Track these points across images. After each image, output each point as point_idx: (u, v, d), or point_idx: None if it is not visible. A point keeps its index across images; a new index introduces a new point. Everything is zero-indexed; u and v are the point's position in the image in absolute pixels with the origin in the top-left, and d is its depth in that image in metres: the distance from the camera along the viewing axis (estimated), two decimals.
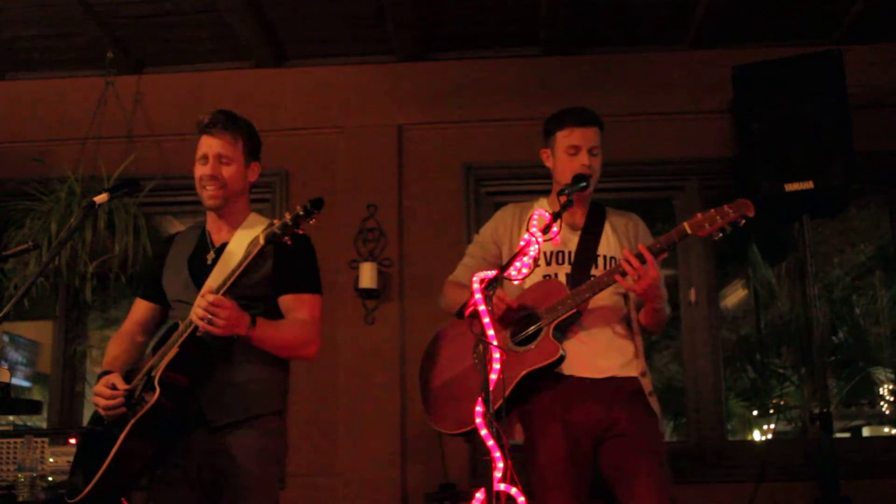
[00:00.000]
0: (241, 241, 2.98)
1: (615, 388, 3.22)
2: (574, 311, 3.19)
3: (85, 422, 5.17)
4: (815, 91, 4.46)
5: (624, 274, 3.09)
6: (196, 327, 2.78)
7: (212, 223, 3.16)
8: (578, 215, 3.47)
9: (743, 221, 3.05)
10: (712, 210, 3.07)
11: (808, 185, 4.34)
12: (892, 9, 4.75)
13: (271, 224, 2.76)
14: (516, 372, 3.15)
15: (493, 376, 3.42)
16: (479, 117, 5.19)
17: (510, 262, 3.50)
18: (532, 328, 3.22)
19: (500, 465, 3.41)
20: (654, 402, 3.24)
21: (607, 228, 3.45)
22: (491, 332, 3.38)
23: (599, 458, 3.24)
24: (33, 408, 4.14)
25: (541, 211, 3.54)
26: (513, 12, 4.92)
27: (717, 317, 5.12)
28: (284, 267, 3.00)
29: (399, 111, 5.24)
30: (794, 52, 4.62)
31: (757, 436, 10.47)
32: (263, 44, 5.13)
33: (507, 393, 3.07)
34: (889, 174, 4.99)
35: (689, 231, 3.09)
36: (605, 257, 3.37)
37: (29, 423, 5.13)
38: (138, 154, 5.02)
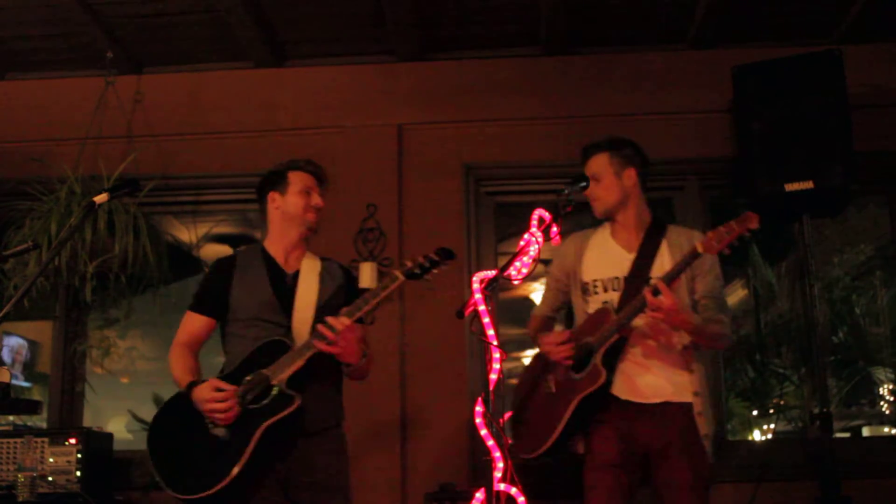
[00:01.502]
0: (310, 271, 3.42)
1: (670, 414, 3.34)
2: (617, 336, 3.31)
3: (85, 422, 5.17)
4: (815, 91, 4.46)
5: (644, 305, 3.21)
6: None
7: (277, 250, 3.44)
8: (633, 235, 3.54)
9: (749, 234, 3.16)
10: (721, 227, 3.17)
11: (808, 184, 4.34)
12: (892, 9, 4.75)
13: (403, 264, 3.29)
14: (570, 399, 3.33)
15: (493, 376, 3.44)
16: (479, 117, 5.19)
17: (510, 263, 3.52)
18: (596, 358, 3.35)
19: (500, 465, 3.42)
20: (701, 422, 3.33)
21: (663, 248, 3.50)
22: (491, 332, 3.40)
23: (652, 470, 3.37)
24: (33, 408, 4.14)
25: (541, 211, 3.56)
26: (513, 12, 4.92)
27: None
28: (347, 295, 3.40)
29: (399, 111, 5.24)
30: (794, 52, 4.61)
31: (757, 436, 10.45)
32: (263, 44, 5.13)
33: (563, 422, 3.32)
34: (889, 174, 4.99)
35: (700, 251, 3.20)
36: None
37: (29, 423, 5.12)
38: (138, 154, 5.01)
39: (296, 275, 3.40)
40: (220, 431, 3.09)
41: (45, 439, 4.32)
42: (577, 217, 3.76)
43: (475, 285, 3.61)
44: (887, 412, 9.07)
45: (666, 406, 3.34)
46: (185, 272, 5.83)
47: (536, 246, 3.70)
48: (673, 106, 5.07)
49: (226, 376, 3.18)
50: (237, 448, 3.02)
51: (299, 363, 3.12)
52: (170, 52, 5.29)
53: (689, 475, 3.28)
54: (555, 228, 3.59)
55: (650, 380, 3.36)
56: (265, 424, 3.04)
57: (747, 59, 4.67)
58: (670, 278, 3.22)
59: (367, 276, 4.84)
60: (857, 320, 9.10)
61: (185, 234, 5.39)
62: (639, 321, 3.34)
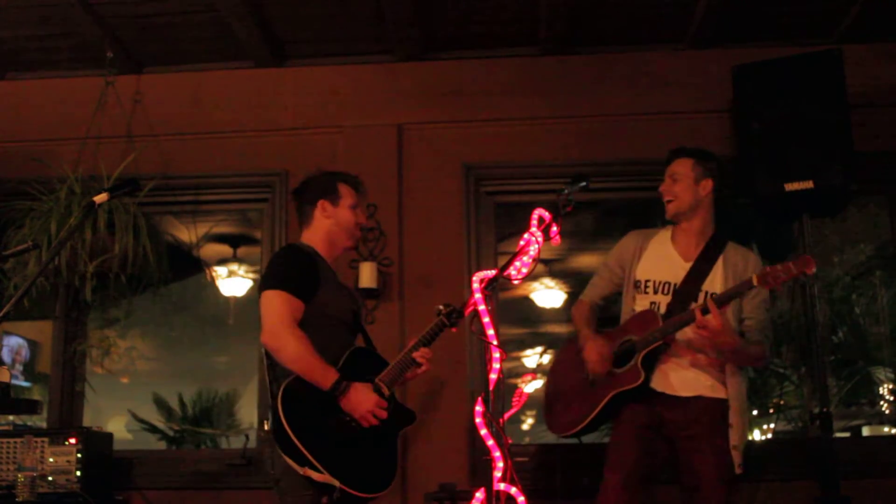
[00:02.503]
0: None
1: (702, 408, 3.55)
2: (660, 342, 3.55)
3: (85, 421, 5.17)
4: (814, 91, 4.46)
5: (692, 320, 3.42)
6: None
7: (330, 259, 3.62)
8: (692, 245, 3.72)
9: (805, 278, 3.45)
10: (779, 266, 3.32)
11: (808, 184, 4.34)
12: (891, 8, 4.75)
13: (445, 307, 3.61)
14: (607, 392, 3.62)
15: (493, 376, 3.44)
16: (478, 117, 5.19)
17: (509, 262, 3.52)
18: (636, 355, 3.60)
19: (500, 464, 3.42)
20: (732, 434, 3.50)
21: (719, 263, 3.66)
22: (491, 332, 3.40)
23: (676, 453, 3.60)
24: (33, 408, 4.14)
25: (541, 211, 3.56)
26: (512, 12, 4.92)
27: None
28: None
29: (399, 111, 5.24)
30: (794, 52, 4.61)
31: (757, 435, 10.46)
32: (263, 43, 5.13)
33: (598, 409, 3.62)
34: (889, 174, 4.98)
35: (755, 284, 3.36)
36: (706, 293, 3.59)
37: (28, 423, 5.12)
38: (138, 154, 5.02)
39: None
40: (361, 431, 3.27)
41: (45, 439, 4.32)
42: (577, 217, 3.78)
43: (475, 285, 3.61)
44: (887, 412, 9.07)
45: (698, 399, 3.55)
46: (185, 272, 5.84)
47: (536, 246, 3.68)
48: (673, 106, 5.07)
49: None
50: (390, 453, 3.39)
51: (401, 379, 3.49)
52: (170, 51, 5.29)
53: (712, 469, 3.47)
54: (555, 228, 3.58)
55: (686, 375, 3.58)
56: (398, 433, 3.44)
57: (747, 59, 4.66)
58: (721, 302, 3.39)
59: (366, 275, 4.84)
60: (856, 320, 9.10)
61: (185, 233, 5.39)
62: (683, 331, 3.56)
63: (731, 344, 3.42)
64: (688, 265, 3.69)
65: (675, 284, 3.67)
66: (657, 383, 3.59)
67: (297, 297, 3.32)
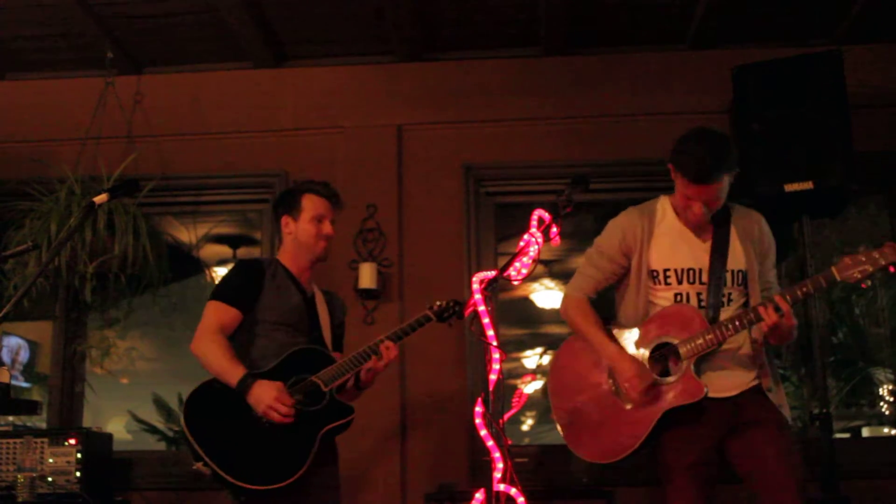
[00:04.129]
0: (319, 295, 3.66)
1: (745, 399, 3.21)
2: (715, 346, 3.14)
3: (85, 422, 5.16)
4: (814, 91, 4.45)
5: (760, 318, 3.07)
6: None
7: (293, 268, 3.58)
8: (703, 218, 3.29)
9: (893, 269, 2.98)
10: (861, 255, 3.00)
11: (808, 185, 4.34)
12: (891, 9, 4.75)
13: (435, 305, 3.63)
14: (658, 409, 3.16)
15: (493, 377, 3.44)
16: (478, 117, 5.19)
17: (509, 263, 3.51)
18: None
19: (500, 465, 3.42)
20: (785, 411, 3.23)
21: (733, 236, 3.32)
22: (490, 333, 3.39)
23: (727, 450, 3.23)
24: (32, 408, 4.13)
25: (541, 212, 3.55)
26: (512, 12, 4.92)
27: None
28: (343, 329, 3.76)
29: (399, 111, 5.24)
30: (794, 53, 4.61)
31: None
32: (263, 44, 5.13)
33: (649, 430, 3.15)
34: (888, 174, 4.99)
35: (837, 277, 3.03)
36: (732, 273, 3.27)
37: (28, 424, 5.12)
38: (138, 154, 5.02)
39: (312, 295, 3.62)
40: (271, 427, 3.21)
41: (45, 440, 4.32)
42: (576, 218, 3.74)
43: (475, 286, 3.62)
44: (887, 413, 9.06)
45: (740, 396, 3.21)
46: (184, 272, 5.83)
47: (536, 246, 3.69)
48: (672, 106, 5.07)
49: (267, 373, 3.29)
50: (301, 447, 3.20)
51: (348, 376, 3.39)
52: (170, 52, 5.29)
53: (770, 429, 3.16)
54: (554, 229, 3.58)
55: (726, 374, 3.21)
56: (326, 428, 3.27)
57: (747, 60, 4.66)
58: (796, 300, 3.07)
59: (366, 276, 4.84)
60: (856, 321, 9.09)
61: (185, 234, 5.39)
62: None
63: (792, 336, 3.16)
64: (707, 245, 3.29)
65: (700, 270, 3.26)
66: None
67: (230, 306, 3.42)
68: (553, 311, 8.63)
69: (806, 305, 4.59)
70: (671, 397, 3.14)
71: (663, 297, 3.29)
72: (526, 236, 3.69)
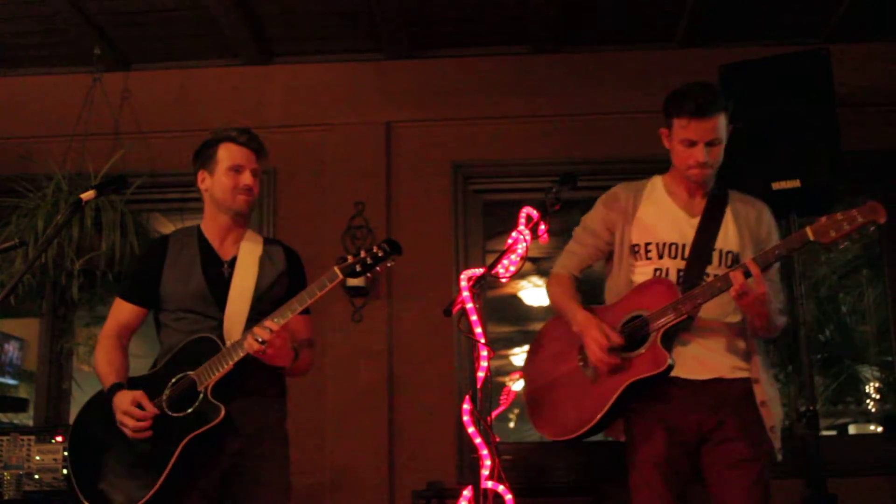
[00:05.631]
0: (249, 256, 3.18)
1: (723, 391, 3.02)
2: (685, 317, 2.97)
3: (72, 419, 5.15)
4: (801, 90, 4.46)
5: (730, 284, 2.86)
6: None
7: (212, 233, 3.23)
8: (697, 200, 3.19)
9: (872, 228, 2.77)
10: (838, 214, 2.79)
11: (795, 183, 4.35)
12: (878, 8, 4.77)
13: (343, 259, 3.00)
14: (621, 380, 3.00)
15: (481, 374, 3.44)
16: (467, 115, 5.20)
17: (497, 261, 3.51)
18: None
19: (488, 462, 3.42)
20: (765, 413, 3.02)
21: (727, 217, 3.16)
22: (478, 330, 3.39)
23: (701, 458, 3.07)
24: (20, 406, 4.12)
25: (529, 209, 3.55)
26: (502, 10, 4.92)
27: None
28: (297, 291, 3.06)
29: (387, 109, 5.24)
30: (782, 52, 4.62)
31: None
32: (251, 41, 5.12)
33: (611, 402, 3.00)
34: (875, 173, 5.01)
35: (811, 237, 2.82)
36: (721, 252, 3.11)
37: (15, 421, 5.10)
38: (125, 151, 5.00)
39: (232, 261, 3.17)
40: (140, 440, 2.92)
41: (32, 437, 4.30)
42: (564, 216, 3.73)
43: (463, 283, 3.61)
44: (873, 410, 9.10)
45: (718, 382, 3.02)
46: None
47: (524, 244, 3.68)
48: (660, 104, 5.04)
49: (153, 374, 3.04)
50: (160, 460, 2.85)
51: (226, 369, 2.92)
52: (157, 48, 5.28)
53: (744, 449, 2.97)
54: (543, 226, 3.57)
55: (704, 354, 3.04)
56: (188, 437, 2.86)
57: (735, 58, 4.66)
58: (767, 264, 2.88)
59: None
60: (843, 319, 9.12)
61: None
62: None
63: (767, 316, 2.94)
64: (695, 221, 3.15)
65: (684, 245, 3.11)
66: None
67: (126, 302, 3.18)
68: (541, 309, 8.63)
69: (793, 304, 4.59)
70: (635, 369, 2.98)
71: (642, 273, 3.17)
72: (514, 234, 3.69)
